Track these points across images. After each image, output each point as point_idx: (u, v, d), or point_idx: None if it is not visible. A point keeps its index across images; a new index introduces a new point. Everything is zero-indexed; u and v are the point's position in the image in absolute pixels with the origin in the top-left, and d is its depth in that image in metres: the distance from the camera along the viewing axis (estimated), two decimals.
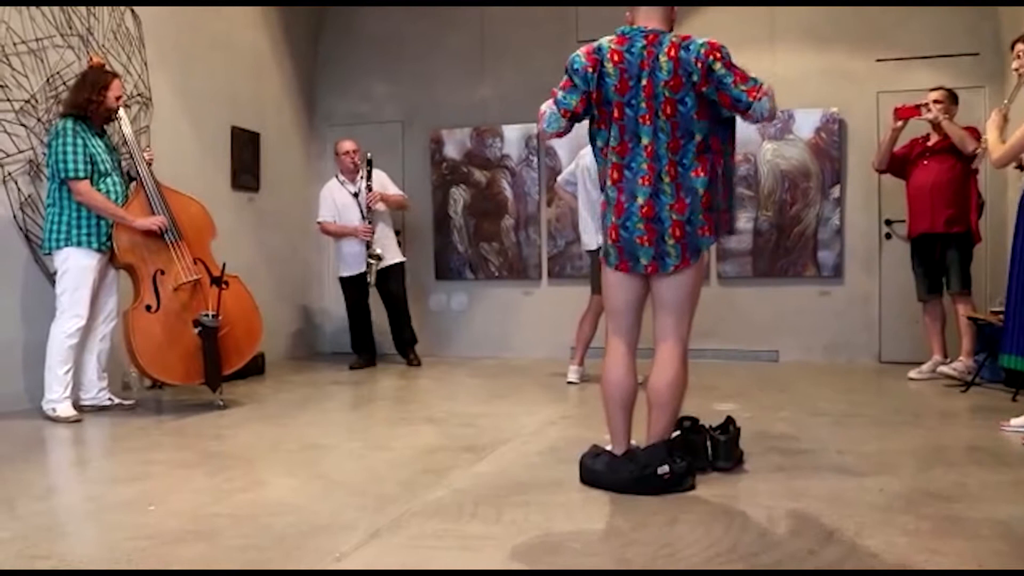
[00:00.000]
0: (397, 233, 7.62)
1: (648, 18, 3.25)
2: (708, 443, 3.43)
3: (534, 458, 3.68)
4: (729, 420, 3.58)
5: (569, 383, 5.84)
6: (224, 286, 4.93)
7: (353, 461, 3.80)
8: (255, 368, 6.42)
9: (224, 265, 5.01)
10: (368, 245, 6.55)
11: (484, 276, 7.55)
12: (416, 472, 3.50)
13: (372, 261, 6.55)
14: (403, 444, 4.06)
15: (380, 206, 6.66)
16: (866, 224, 6.86)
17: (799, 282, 6.97)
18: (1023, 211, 4.04)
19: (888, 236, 6.79)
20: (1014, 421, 4.14)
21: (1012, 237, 4.13)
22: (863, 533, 2.63)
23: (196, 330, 4.82)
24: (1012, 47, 4.08)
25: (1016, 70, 4.00)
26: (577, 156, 5.86)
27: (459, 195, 7.61)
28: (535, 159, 7.41)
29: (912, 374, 5.91)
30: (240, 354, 5.13)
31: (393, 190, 6.81)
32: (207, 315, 4.84)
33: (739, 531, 2.71)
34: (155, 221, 4.84)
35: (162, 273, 4.88)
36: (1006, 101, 4.34)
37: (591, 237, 5.62)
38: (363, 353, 6.83)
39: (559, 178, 6.19)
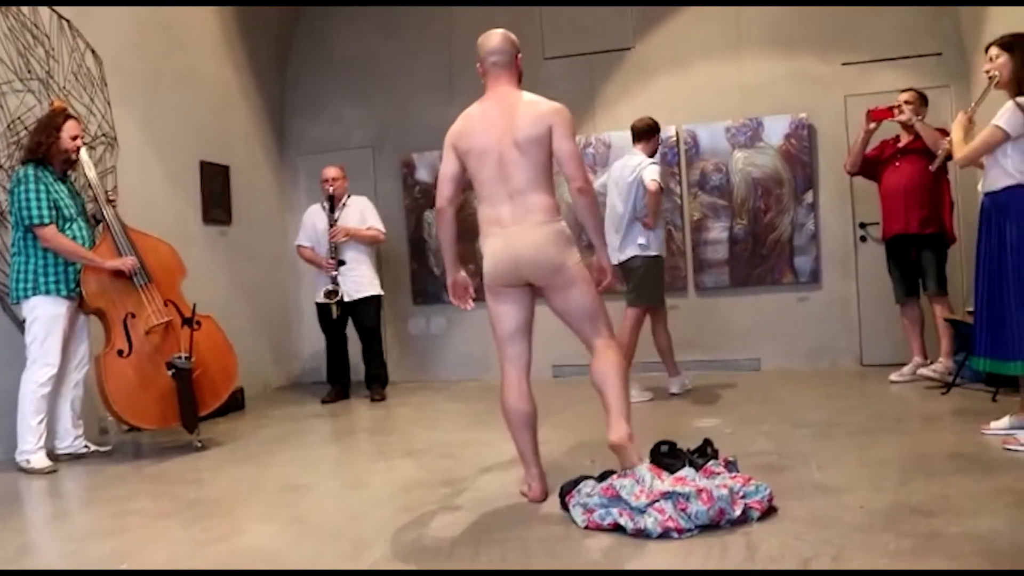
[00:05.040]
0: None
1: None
2: (687, 466, 3.39)
3: (512, 488, 3.63)
4: (706, 442, 3.55)
5: (672, 394, 5.90)
6: (196, 326, 4.88)
7: (331, 502, 3.75)
8: (235, 404, 6.36)
9: (195, 306, 4.96)
10: (333, 280, 6.41)
11: None
12: (393, 512, 3.46)
13: (326, 300, 6.40)
14: (381, 480, 4.02)
15: (345, 238, 6.47)
16: (841, 228, 6.87)
17: (777, 289, 6.97)
18: (984, 215, 4.04)
19: (863, 239, 6.80)
20: (995, 424, 4.13)
21: (976, 241, 4.13)
22: (843, 556, 2.61)
23: (170, 372, 4.76)
24: (986, 51, 4.07)
25: (987, 72, 4.00)
26: (609, 169, 5.98)
27: (433, 218, 7.57)
28: None
29: (893, 377, 5.90)
30: (216, 394, 5.07)
31: (372, 222, 6.63)
32: (180, 357, 4.80)
33: (719, 558, 2.69)
34: (125, 261, 4.79)
35: (133, 316, 4.82)
36: (973, 104, 4.34)
37: (614, 252, 5.60)
38: (335, 384, 6.72)
39: (596, 184, 6.05)
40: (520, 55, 3.54)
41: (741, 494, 3.06)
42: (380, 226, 6.66)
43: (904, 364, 6.00)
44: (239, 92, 7.37)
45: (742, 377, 6.58)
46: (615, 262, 5.62)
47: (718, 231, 7.00)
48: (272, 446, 5.02)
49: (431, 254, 7.61)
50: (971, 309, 5.38)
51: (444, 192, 3.52)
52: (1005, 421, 4.10)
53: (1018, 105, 3.83)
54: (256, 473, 4.34)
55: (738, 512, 2.98)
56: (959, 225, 5.82)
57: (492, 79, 3.49)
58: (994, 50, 3.97)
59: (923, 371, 5.67)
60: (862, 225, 6.78)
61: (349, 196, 6.66)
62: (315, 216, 6.63)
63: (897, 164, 5.81)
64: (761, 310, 6.97)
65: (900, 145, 5.85)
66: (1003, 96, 4.00)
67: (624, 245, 5.70)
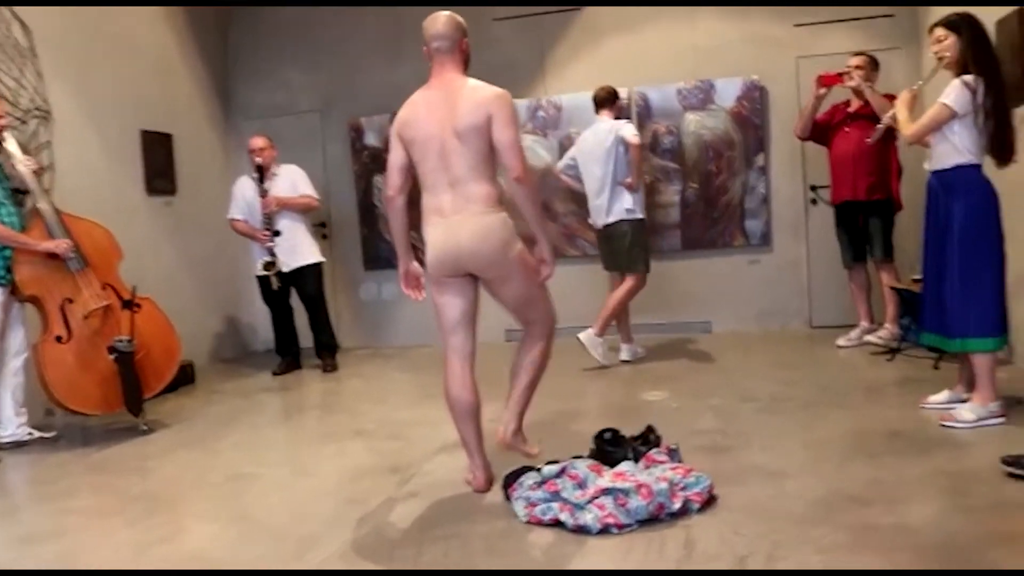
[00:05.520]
0: (323, 226, 7.51)
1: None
2: (631, 455, 3.42)
3: (457, 475, 3.63)
4: (649, 429, 3.58)
5: (623, 361, 5.97)
6: (136, 308, 4.80)
7: (278, 493, 3.72)
8: (185, 378, 6.29)
9: (134, 288, 4.86)
10: (270, 251, 6.27)
11: None
12: (340, 504, 3.46)
13: (264, 272, 6.26)
14: (329, 467, 4.01)
15: (278, 208, 6.32)
16: (791, 191, 6.88)
17: (728, 252, 6.99)
18: (932, 194, 4.05)
19: (814, 202, 6.82)
20: (933, 398, 4.20)
21: (924, 218, 4.15)
22: (777, 554, 2.64)
23: (112, 356, 4.69)
24: (930, 31, 4.04)
25: (935, 52, 3.98)
26: (577, 141, 6.06)
27: (382, 183, 7.43)
28: None
29: (840, 342, 5.98)
30: (160, 376, 5.02)
31: (304, 189, 6.45)
32: (121, 340, 4.72)
33: (657, 554, 2.72)
34: (59, 243, 4.67)
35: (70, 302, 4.71)
36: (920, 82, 4.34)
37: (599, 215, 5.84)
38: (285, 356, 6.66)
39: (560, 164, 6.26)
40: (466, 39, 3.45)
41: (681, 486, 3.08)
42: (313, 193, 6.49)
43: (852, 326, 6.09)
44: (180, 58, 7.15)
45: (694, 341, 6.63)
46: (600, 225, 5.86)
47: (670, 194, 6.98)
48: (219, 428, 4.97)
49: (380, 219, 7.51)
50: (917, 277, 5.46)
51: (393, 181, 3.46)
52: (944, 395, 4.18)
53: (964, 83, 3.82)
54: (202, 460, 4.30)
55: (678, 505, 3.00)
56: (906, 192, 5.85)
57: (437, 64, 3.42)
58: (940, 31, 3.94)
59: (869, 338, 5.75)
60: (813, 188, 6.80)
61: (279, 165, 6.45)
62: (245, 188, 6.43)
63: (847, 130, 5.80)
64: (713, 273, 7.00)
65: (850, 110, 5.84)
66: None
67: (610, 209, 5.79)
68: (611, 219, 5.80)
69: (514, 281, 3.40)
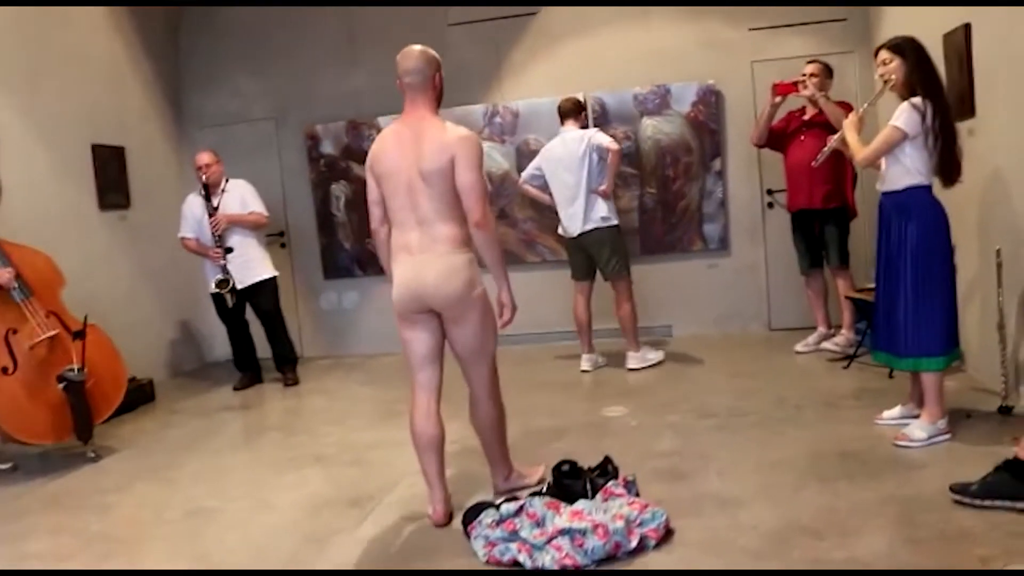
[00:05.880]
0: (281, 235, 7.45)
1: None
2: (588, 487, 3.44)
3: (417, 508, 3.64)
4: (607, 460, 3.60)
5: (583, 371, 6.05)
6: (79, 338, 4.81)
7: (237, 531, 3.69)
8: (144, 397, 6.23)
9: (86, 316, 4.83)
10: (223, 269, 6.19)
11: (373, 272, 7.39)
12: (298, 542, 3.45)
13: (218, 288, 6.18)
14: (288, 500, 3.98)
15: (228, 225, 6.25)
16: (748, 195, 6.93)
17: (687, 256, 7.04)
18: (884, 215, 4.10)
19: (771, 205, 6.88)
20: (887, 414, 4.28)
21: (876, 238, 4.20)
22: None
23: (61, 386, 4.67)
24: (875, 53, 4.08)
25: (881, 76, 4.02)
26: (544, 150, 6.04)
27: (340, 191, 7.41)
28: None
29: (798, 347, 6.06)
30: (108, 402, 5.03)
31: (254, 206, 6.36)
32: (72, 370, 4.70)
33: None
34: (1, 273, 4.60)
35: (14, 332, 4.64)
36: (866, 105, 4.39)
37: (573, 224, 5.85)
38: (245, 371, 6.60)
39: (524, 175, 6.21)
40: (439, 73, 3.46)
41: (638, 522, 3.11)
42: (262, 209, 6.40)
43: (810, 328, 6.18)
44: (130, 68, 7.01)
45: (655, 346, 6.65)
46: (575, 233, 5.90)
47: (628, 200, 7.00)
48: (178, 454, 4.91)
49: (339, 228, 7.46)
50: (871, 286, 5.54)
51: (374, 214, 3.51)
52: (897, 411, 4.26)
53: (913, 106, 3.87)
54: (160, 494, 4.25)
55: (634, 543, 3.03)
56: (861, 199, 5.92)
57: (409, 99, 3.44)
58: (885, 53, 3.98)
59: (825, 345, 5.84)
60: (769, 192, 6.85)
61: (227, 180, 6.36)
62: (194, 205, 6.32)
63: (802, 138, 5.85)
64: (672, 277, 7.04)
65: (805, 118, 5.88)
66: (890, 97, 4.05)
67: (586, 217, 5.83)
68: (588, 227, 5.83)
69: (469, 324, 3.43)
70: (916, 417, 4.08)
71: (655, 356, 6.07)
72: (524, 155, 7.05)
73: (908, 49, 3.92)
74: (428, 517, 3.51)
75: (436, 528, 3.46)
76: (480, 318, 3.44)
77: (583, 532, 3.01)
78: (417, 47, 3.43)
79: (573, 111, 5.93)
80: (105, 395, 4.96)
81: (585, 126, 5.99)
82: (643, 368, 5.94)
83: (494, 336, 3.54)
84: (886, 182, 4.07)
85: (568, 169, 5.81)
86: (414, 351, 3.49)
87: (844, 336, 5.79)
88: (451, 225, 3.34)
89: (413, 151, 3.32)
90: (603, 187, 5.78)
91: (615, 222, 5.90)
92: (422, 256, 3.34)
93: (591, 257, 5.97)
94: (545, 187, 6.02)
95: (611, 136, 5.95)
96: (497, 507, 3.27)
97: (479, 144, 3.39)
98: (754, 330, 6.97)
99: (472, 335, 3.45)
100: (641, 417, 4.79)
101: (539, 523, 3.13)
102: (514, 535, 3.11)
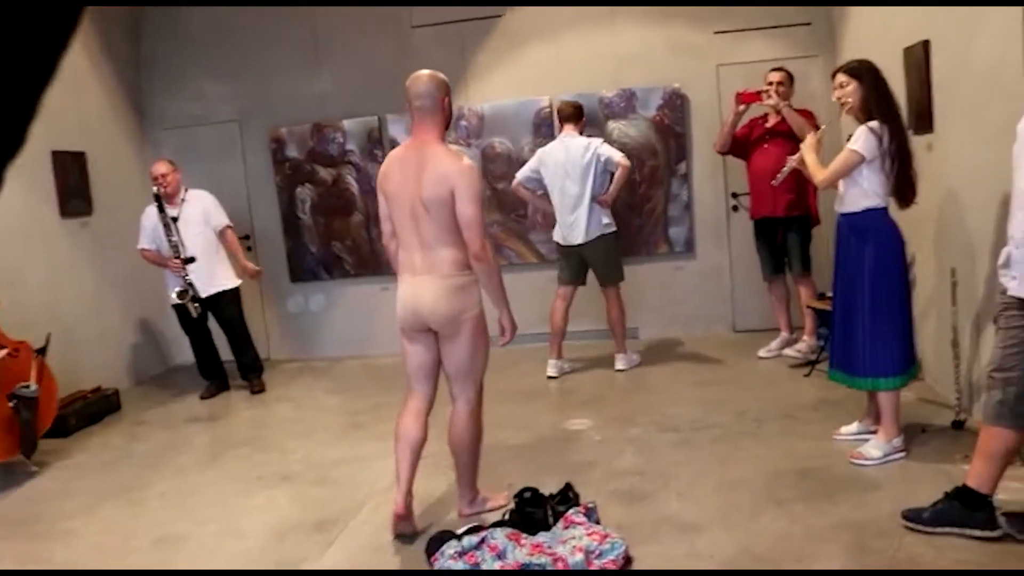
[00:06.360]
0: (247, 239, 7.40)
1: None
2: (549, 516, 3.49)
3: (382, 532, 3.69)
4: (567, 487, 3.65)
5: (550, 377, 6.12)
6: (15, 354, 4.89)
7: (204, 559, 3.69)
8: (110, 407, 6.20)
9: (49, 335, 4.85)
10: (184, 279, 6.12)
11: (340, 275, 7.39)
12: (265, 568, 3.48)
13: (180, 300, 6.13)
14: (256, 523, 4.00)
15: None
16: (713, 198, 6.98)
17: (653, 259, 7.08)
18: (842, 235, 4.16)
19: (735, 208, 6.94)
20: (845, 430, 4.36)
21: (834, 257, 4.27)
22: None
23: (11, 404, 4.78)
24: (833, 76, 4.13)
25: (838, 99, 4.06)
26: (542, 153, 6.00)
27: (305, 194, 7.37)
28: (379, 152, 7.15)
29: (761, 353, 6.14)
30: (49, 415, 5.19)
31: (217, 219, 6.30)
32: (25, 386, 4.85)
33: None
34: None
35: None
36: (823, 127, 4.44)
37: (574, 232, 5.88)
38: (212, 379, 6.55)
39: (519, 176, 6.13)
40: (448, 97, 3.56)
41: (597, 553, 3.17)
42: (226, 220, 6.36)
43: (773, 330, 6.26)
44: (90, 70, 6.90)
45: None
46: (576, 242, 5.91)
47: None
48: (145, 473, 4.89)
49: (305, 231, 7.43)
50: (830, 294, 5.62)
51: (385, 229, 3.71)
52: (854, 427, 4.35)
53: (871, 129, 3.92)
54: (127, 518, 4.23)
55: None
56: (823, 207, 5.99)
57: (416, 123, 3.56)
58: (842, 77, 4.03)
59: (787, 352, 5.92)
60: (734, 195, 6.90)
61: (187, 190, 6.28)
62: (152, 217, 6.21)
63: (765, 146, 5.90)
64: (638, 280, 7.05)
65: (768, 126, 5.93)
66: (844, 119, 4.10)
67: (589, 226, 5.87)
68: (592, 236, 5.88)
69: (460, 343, 3.58)
70: (873, 433, 4.17)
71: (637, 357, 6.24)
72: (490, 159, 7.05)
73: (865, 73, 3.97)
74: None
75: (400, 544, 3.56)
76: (471, 339, 3.59)
77: (543, 566, 3.06)
78: (426, 71, 3.55)
79: (573, 116, 5.94)
80: (46, 409, 5.12)
81: (583, 130, 6.00)
82: (629, 368, 6.13)
83: (484, 358, 3.70)
84: (844, 203, 4.13)
85: (571, 178, 5.81)
86: (410, 362, 3.71)
87: (806, 342, 5.88)
88: (452, 249, 3.49)
89: (415, 178, 3.45)
90: (606, 197, 5.86)
91: (614, 228, 5.99)
92: (422, 277, 3.52)
93: (587, 264, 6.02)
94: (540, 190, 6.03)
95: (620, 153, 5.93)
96: (459, 538, 3.31)
97: (478, 176, 3.52)
98: (719, 332, 7.05)
99: (463, 353, 3.60)
100: (604, 431, 4.84)
101: (500, 555, 3.18)
102: (475, 568, 3.15)
